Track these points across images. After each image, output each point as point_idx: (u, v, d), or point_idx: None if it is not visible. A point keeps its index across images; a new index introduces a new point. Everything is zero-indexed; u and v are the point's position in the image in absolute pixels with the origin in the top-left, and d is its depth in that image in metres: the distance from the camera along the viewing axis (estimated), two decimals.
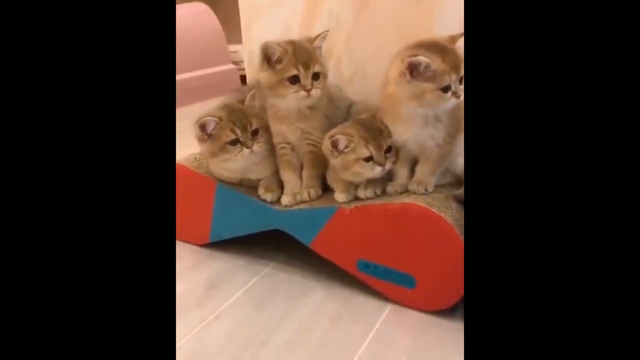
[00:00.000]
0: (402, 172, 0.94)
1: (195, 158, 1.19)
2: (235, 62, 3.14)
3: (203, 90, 2.90)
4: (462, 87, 0.83)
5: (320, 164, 1.01)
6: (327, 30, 0.99)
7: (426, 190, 0.90)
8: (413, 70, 0.81)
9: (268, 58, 0.94)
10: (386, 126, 0.91)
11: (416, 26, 1.11)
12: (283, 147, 1.04)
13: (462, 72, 0.82)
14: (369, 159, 0.90)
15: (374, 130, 0.91)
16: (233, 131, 0.99)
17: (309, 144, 1.01)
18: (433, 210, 0.85)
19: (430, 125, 0.87)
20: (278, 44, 0.93)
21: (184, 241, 1.23)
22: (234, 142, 1.00)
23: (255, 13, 1.32)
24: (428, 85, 0.81)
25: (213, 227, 1.17)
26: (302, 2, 1.25)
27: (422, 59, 0.80)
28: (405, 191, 0.93)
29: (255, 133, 1.02)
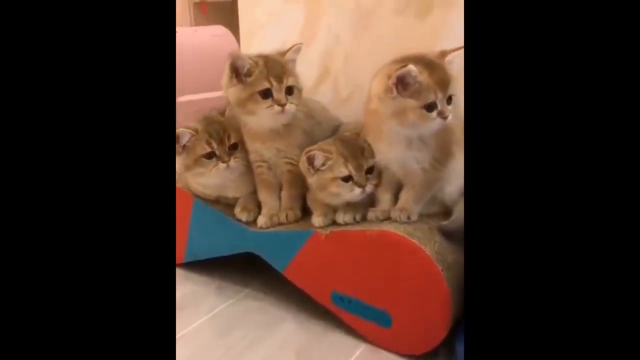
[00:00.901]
0: (384, 198, 0.86)
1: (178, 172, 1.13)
2: None
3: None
4: (450, 107, 0.75)
5: (300, 184, 0.94)
6: (301, 44, 0.92)
7: (409, 218, 0.81)
8: (400, 83, 0.73)
9: (237, 71, 0.86)
10: (369, 145, 0.84)
11: (419, 46, 1.04)
12: (259, 166, 0.97)
13: (450, 91, 0.74)
14: (347, 178, 0.82)
15: (356, 148, 0.83)
16: (209, 144, 0.93)
17: (287, 162, 0.94)
18: (413, 240, 0.76)
19: (415, 147, 0.79)
20: (248, 57, 0.87)
21: None
22: (210, 156, 0.93)
23: (254, 28, 1.29)
24: (411, 102, 0.73)
25: (188, 246, 1.10)
26: (301, 19, 1.20)
27: (412, 67, 0.72)
28: (387, 219, 0.84)
29: (233, 147, 0.95)
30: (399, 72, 0.73)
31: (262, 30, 1.27)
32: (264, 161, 0.95)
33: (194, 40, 2.86)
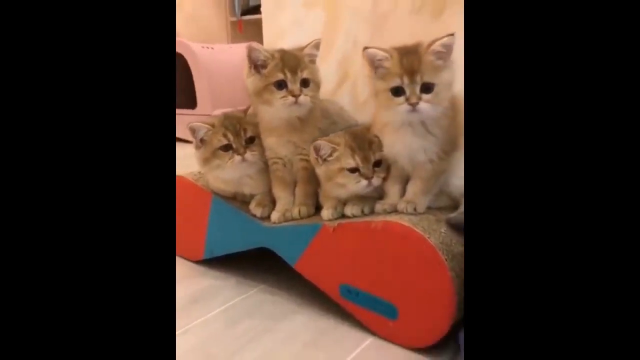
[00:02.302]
0: (393, 191, 0.86)
1: (198, 172, 1.17)
2: None
3: None
4: (427, 96, 0.75)
5: (313, 181, 0.95)
6: (319, 39, 0.96)
7: (415, 210, 0.81)
8: (370, 63, 0.78)
9: (254, 62, 0.91)
10: (378, 139, 0.85)
11: None
12: (275, 162, 0.99)
13: (422, 79, 0.75)
14: (354, 170, 0.83)
15: (364, 141, 0.84)
16: (225, 136, 0.96)
17: (302, 159, 0.96)
18: (417, 230, 0.76)
19: (420, 137, 0.79)
20: (265, 50, 0.91)
21: (180, 256, 1.20)
22: (226, 148, 0.97)
23: (277, 34, 1.33)
24: (380, 84, 0.78)
25: (207, 243, 1.13)
26: (321, 24, 1.24)
27: (375, 51, 0.77)
28: (394, 211, 0.84)
29: (250, 140, 0.98)
30: (365, 51, 0.78)
31: (285, 37, 1.30)
32: (279, 158, 0.97)
33: (229, 56, 2.96)
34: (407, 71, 0.75)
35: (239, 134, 0.97)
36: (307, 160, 0.95)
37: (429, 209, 0.84)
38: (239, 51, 3.05)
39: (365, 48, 0.79)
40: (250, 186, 1.04)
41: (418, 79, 0.75)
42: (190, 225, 1.14)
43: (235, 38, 3.53)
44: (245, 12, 3.42)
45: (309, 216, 0.97)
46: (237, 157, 0.96)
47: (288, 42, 1.31)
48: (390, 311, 0.81)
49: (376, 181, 0.84)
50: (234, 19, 3.47)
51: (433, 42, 0.77)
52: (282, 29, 1.31)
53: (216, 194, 1.09)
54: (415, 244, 0.76)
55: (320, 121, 0.96)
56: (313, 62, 0.95)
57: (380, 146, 0.84)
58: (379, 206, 0.86)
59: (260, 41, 3.22)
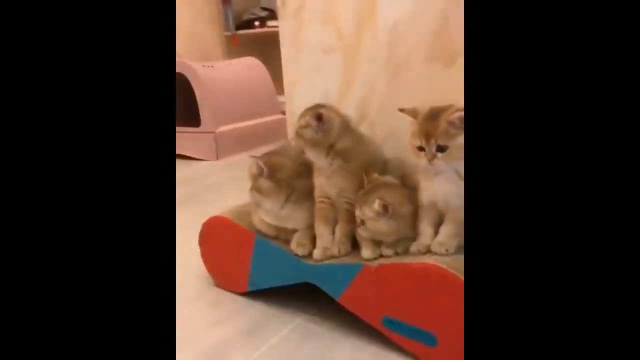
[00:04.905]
0: (426, 232, 0.99)
1: (238, 210, 1.29)
2: (283, 112, 3.30)
3: (254, 138, 3.06)
4: (441, 155, 0.92)
5: (353, 221, 1.08)
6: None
7: (447, 251, 0.95)
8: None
9: (318, 120, 1.05)
10: (412, 190, 0.98)
11: (447, 92, 1.17)
12: (322, 201, 1.11)
13: (437, 142, 0.91)
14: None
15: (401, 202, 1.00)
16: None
17: (345, 202, 1.08)
18: (452, 271, 0.89)
19: (452, 183, 0.93)
20: (330, 117, 1.06)
21: (225, 289, 1.32)
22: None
23: (297, 77, 1.44)
24: (411, 140, 0.96)
25: (251, 277, 1.25)
26: (339, 70, 1.35)
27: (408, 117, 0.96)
28: (428, 251, 0.97)
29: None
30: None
31: (304, 80, 1.42)
32: (327, 197, 1.09)
33: (228, 74, 3.05)
34: (425, 135, 0.92)
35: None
36: (350, 203, 1.07)
37: (459, 247, 0.97)
38: (237, 67, 3.15)
39: (401, 110, 0.98)
40: (292, 222, 1.16)
41: (433, 142, 0.92)
42: (233, 261, 1.26)
43: (230, 53, 3.61)
44: (239, 26, 3.50)
45: (347, 254, 1.09)
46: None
47: (307, 85, 1.43)
48: (429, 339, 0.95)
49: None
50: (228, 33, 3.54)
51: (453, 112, 0.90)
52: (301, 72, 1.42)
53: (259, 232, 1.20)
54: (453, 285, 0.89)
55: (362, 169, 1.08)
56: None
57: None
58: (413, 247, 0.99)
59: (254, 55, 3.29)
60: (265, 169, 1.11)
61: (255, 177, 1.12)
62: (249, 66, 3.22)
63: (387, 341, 1.02)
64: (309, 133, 1.05)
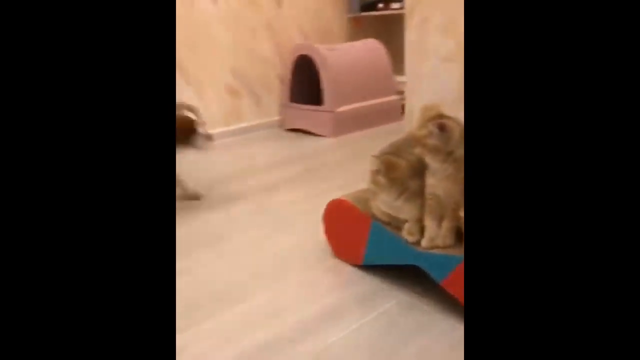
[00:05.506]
0: None
1: (357, 196, 1.51)
2: (399, 93, 3.44)
3: (370, 118, 3.27)
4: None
5: (457, 220, 1.25)
6: None
7: None
8: None
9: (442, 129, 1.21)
10: None
11: None
12: (431, 199, 1.29)
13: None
14: None
15: None
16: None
17: (452, 202, 1.25)
18: None
19: None
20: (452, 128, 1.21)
21: (342, 260, 1.56)
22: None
23: (417, 81, 1.60)
24: None
25: (366, 254, 1.47)
26: (455, 78, 1.49)
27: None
28: None
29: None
30: None
31: (423, 84, 1.57)
32: (436, 195, 1.27)
33: (351, 56, 3.24)
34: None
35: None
36: (457, 204, 1.24)
37: None
38: (359, 50, 3.33)
39: None
40: (406, 213, 1.36)
41: None
42: (352, 239, 1.49)
43: (353, 34, 3.79)
44: (364, 8, 3.66)
45: (450, 246, 1.27)
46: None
47: (425, 89, 1.59)
48: None
49: None
50: (352, 15, 3.72)
51: None
52: (421, 77, 1.58)
53: (374, 217, 1.42)
54: None
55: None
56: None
57: None
58: None
59: (375, 36, 3.45)
60: (382, 169, 1.30)
61: (374, 174, 1.32)
62: (370, 49, 3.39)
63: None
64: (431, 141, 1.22)
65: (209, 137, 1.76)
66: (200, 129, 1.73)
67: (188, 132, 1.70)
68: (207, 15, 3.02)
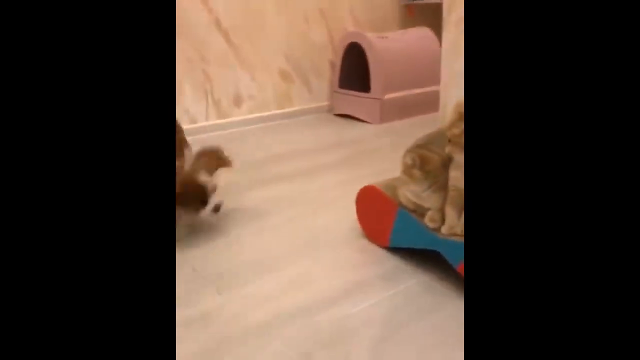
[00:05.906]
0: None
1: (387, 183, 1.62)
2: None
3: (415, 106, 3.32)
4: None
5: None
6: None
7: None
8: None
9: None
10: None
11: None
12: (454, 190, 1.38)
13: None
14: None
15: None
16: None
17: None
18: None
19: None
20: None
21: (371, 241, 1.69)
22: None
23: (453, 76, 1.67)
24: None
25: (392, 237, 1.59)
26: None
27: None
28: None
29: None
30: None
31: (458, 79, 1.64)
32: (458, 188, 1.37)
33: (401, 44, 3.30)
34: None
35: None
36: None
37: None
38: (409, 38, 3.38)
39: None
40: (429, 202, 1.46)
41: None
42: (380, 223, 1.61)
43: (406, 22, 3.83)
44: None
45: None
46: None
47: (459, 85, 1.65)
48: None
49: None
50: (406, 2, 3.75)
51: None
52: (456, 72, 1.65)
53: (400, 204, 1.53)
54: None
55: None
56: None
57: None
58: None
59: (429, 25, 3.47)
60: (417, 162, 1.40)
61: (410, 167, 1.42)
62: (421, 37, 3.42)
63: None
64: (462, 140, 1.30)
65: (217, 209, 1.66)
66: (211, 198, 1.63)
67: (198, 204, 1.62)
68: (261, 1, 3.17)
